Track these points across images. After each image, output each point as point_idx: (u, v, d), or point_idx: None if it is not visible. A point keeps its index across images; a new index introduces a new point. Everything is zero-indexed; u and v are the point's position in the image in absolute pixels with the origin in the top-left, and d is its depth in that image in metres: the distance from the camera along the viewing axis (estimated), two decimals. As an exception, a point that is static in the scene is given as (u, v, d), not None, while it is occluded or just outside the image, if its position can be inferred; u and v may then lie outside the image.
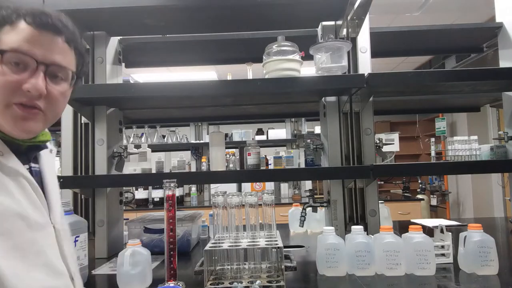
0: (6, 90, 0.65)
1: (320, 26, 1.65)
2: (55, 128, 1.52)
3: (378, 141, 1.59)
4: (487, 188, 4.76)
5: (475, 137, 1.69)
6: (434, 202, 5.38)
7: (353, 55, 1.57)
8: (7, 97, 0.65)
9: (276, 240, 1.20)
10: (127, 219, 1.81)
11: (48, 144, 0.80)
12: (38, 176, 0.76)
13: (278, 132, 4.27)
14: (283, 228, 2.05)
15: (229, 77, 2.01)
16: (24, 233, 0.65)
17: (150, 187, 3.86)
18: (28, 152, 0.74)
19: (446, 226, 1.34)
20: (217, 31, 1.78)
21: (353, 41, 1.56)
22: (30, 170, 0.74)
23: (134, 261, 1.11)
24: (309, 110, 2.03)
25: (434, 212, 5.44)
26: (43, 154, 0.80)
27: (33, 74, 0.66)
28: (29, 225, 0.66)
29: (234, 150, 2.81)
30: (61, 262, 0.73)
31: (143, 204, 3.87)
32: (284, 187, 4.34)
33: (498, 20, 1.82)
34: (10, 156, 0.67)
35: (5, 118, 0.66)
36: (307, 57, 1.45)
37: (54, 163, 0.82)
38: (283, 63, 1.40)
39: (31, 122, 0.68)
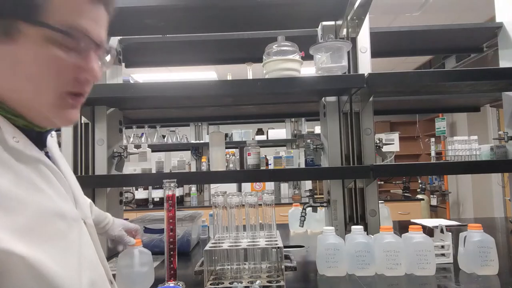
0: (62, 80, 0.52)
1: (320, 26, 1.65)
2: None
3: (378, 141, 1.59)
4: (487, 188, 4.76)
5: (475, 137, 1.69)
6: (434, 202, 5.38)
7: (353, 55, 1.57)
8: (61, 87, 0.52)
9: (276, 240, 1.20)
10: (127, 219, 1.80)
11: None
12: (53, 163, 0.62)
13: (278, 132, 4.26)
14: (283, 228, 2.05)
15: (229, 77, 2.01)
16: (66, 234, 0.52)
17: (150, 187, 3.85)
18: (39, 136, 0.58)
19: (446, 226, 1.34)
20: (217, 31, 1.78)
21: (353, 41, 1.56)
22: (47, 156, 0.59)
23: (139, 261, 1.11)
24: (309, 110, 2.03)
25: (434, 212, 5.44)
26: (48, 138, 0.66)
27: (86, 57, 0.53)
28: (67, 224, 0.53)
29: (234, 150, 2.81)
30: (100, 265, 0.61)
31: (143, 204, 3.86)
32: (284, 187, 4.34)
33: (498, 20, 1.82)
34: (27, 142, 0.53)
35: (53, 110, 0.53)
36: (307, 57, 1.45)
37: (58, 148, 0.68)
38: (283, 63, 1.40)
39: (77, 111, 0.56)
